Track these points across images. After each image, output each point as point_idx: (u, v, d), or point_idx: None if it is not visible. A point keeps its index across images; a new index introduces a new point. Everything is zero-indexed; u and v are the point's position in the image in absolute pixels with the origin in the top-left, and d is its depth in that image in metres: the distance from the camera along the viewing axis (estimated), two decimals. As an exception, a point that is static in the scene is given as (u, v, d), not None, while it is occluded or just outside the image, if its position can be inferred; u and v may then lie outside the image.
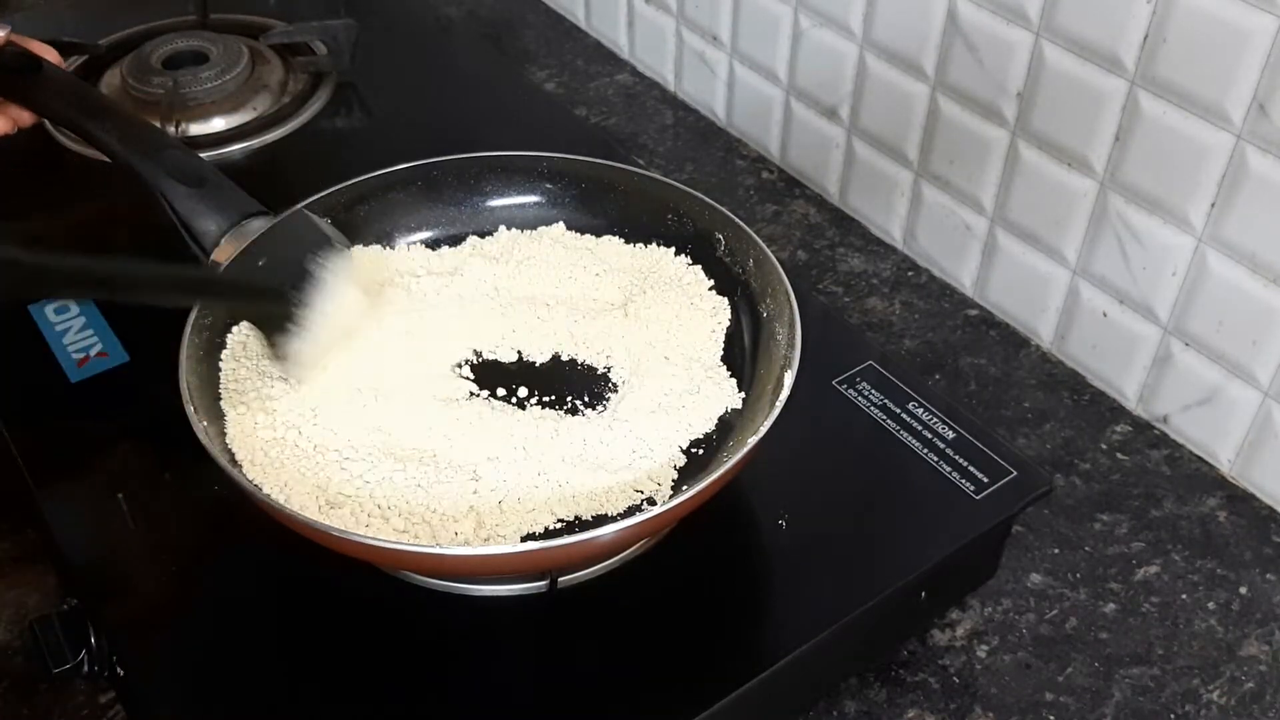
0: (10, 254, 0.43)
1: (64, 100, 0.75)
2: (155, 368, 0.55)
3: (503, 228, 0.68)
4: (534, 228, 0.69)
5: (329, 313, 0.57)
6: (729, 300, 0.64)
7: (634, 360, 0.60)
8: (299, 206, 0.61)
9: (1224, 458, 0.71)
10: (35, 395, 0.64)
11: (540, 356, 0.61)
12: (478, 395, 0.59)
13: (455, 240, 0.68)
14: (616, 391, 0.59)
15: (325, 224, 0.60)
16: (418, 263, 0.66)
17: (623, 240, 0.67)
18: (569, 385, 0.60)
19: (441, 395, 0.58)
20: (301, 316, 0.56)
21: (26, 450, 0.61)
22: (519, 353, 0.61)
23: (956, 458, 0.60)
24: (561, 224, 0.68)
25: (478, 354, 0.61)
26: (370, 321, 0.60)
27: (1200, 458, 0.72)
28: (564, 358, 0.61)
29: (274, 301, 0.56)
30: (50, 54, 0.38)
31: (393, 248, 0.67)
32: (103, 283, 0.51)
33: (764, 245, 0.62)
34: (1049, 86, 0.70)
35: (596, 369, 0.61)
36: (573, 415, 0.58)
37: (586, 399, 0.59)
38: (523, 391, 0.59)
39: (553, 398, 0.59)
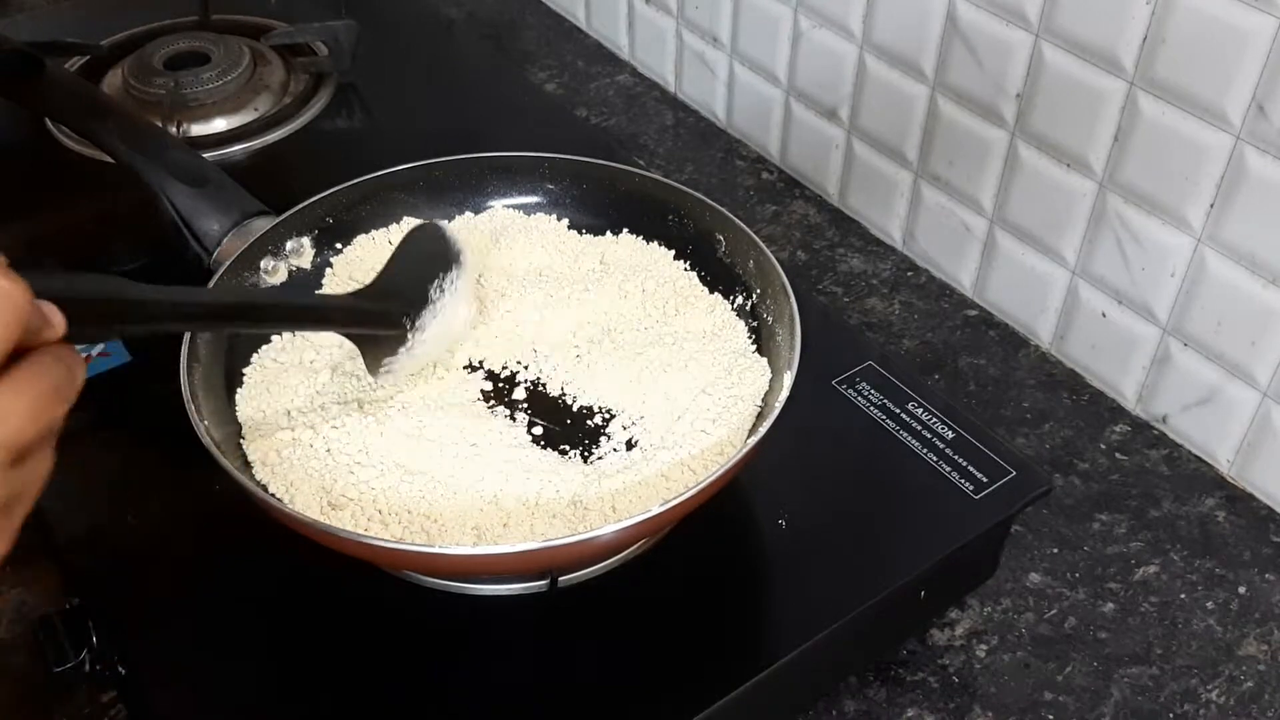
0: (118, 289, 0.42)
1: (66, 100, 0.76)
2: (156, 368, 0.55)
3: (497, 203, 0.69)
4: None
5: (440, 335, 0.57)
6: (729, 301, 0.64)
7: (640, 382, 0.60)
8: (433, 221, 0.60)
9: (1223, 458, 0.71)
10: (37, 395, 0.64)
11: (550, 377, 0.61)
12: (493, 410, 0.59)
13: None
14: (622, 414, 0.59)
15: (451, 233, 0.59)
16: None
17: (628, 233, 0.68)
18: (574, 414, 0.59)
19: (458, 409, 0.58)
20: (414, 341, 0.56)
21: (28, 450, 0.61)
22: (535, 380, 0.61)
23: (956, 458, 0.60)
24: (565, 222, 0.69)
25: (493, 374, 0.61)
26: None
27: (1199, 458, 0.72)
28: (571, 383, 0.61)
29: (390, 328, 0.55)
30: None
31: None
32: (223, 316, 0.50)
33: (764, 246, 0.62)
34: (1048, 87, 0.70)
35: (604, 405, 0.60)
36: (581, 444, 0.58)
37: (592, 425, 0.59)
38: (537, 426, 0.59)
39: (562, 425, 0.59)
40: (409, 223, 0.67)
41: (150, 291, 0.42)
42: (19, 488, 0.35)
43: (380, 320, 0.56)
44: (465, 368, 0.61)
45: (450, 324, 0.57)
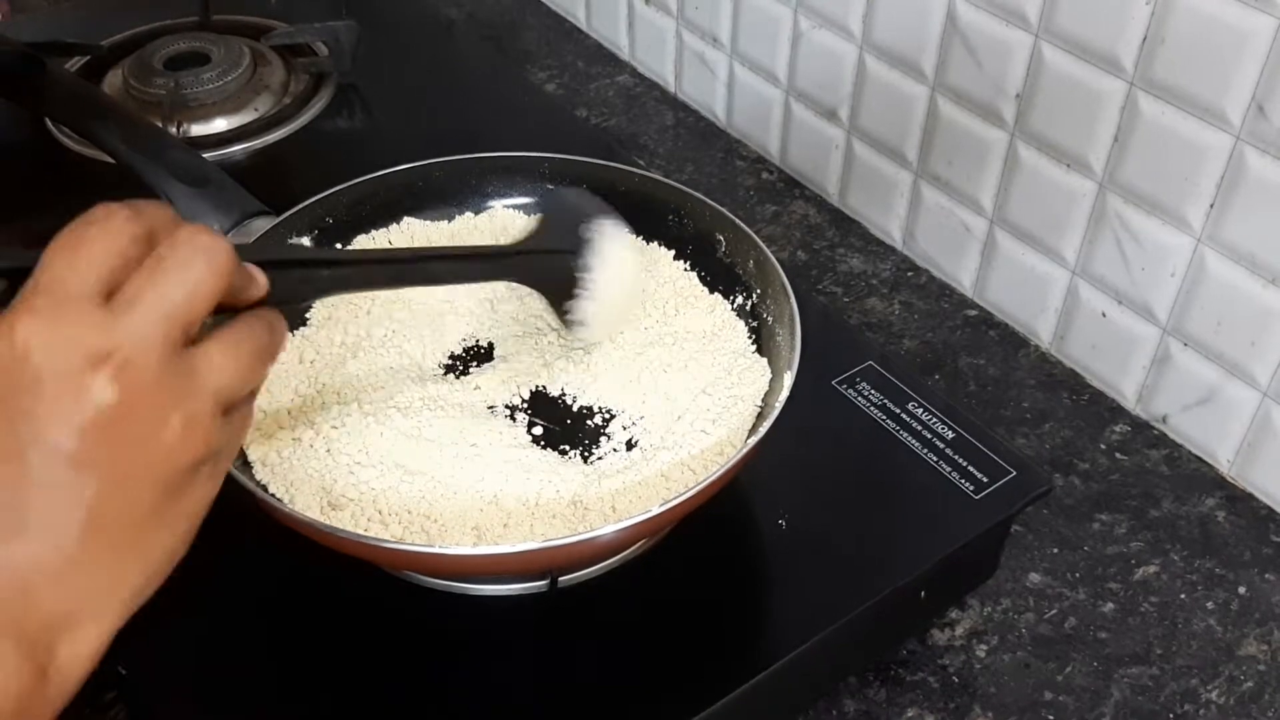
0: (312, 253, 0.44)
1: (67, 100, 0.76)
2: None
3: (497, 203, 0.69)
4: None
5: (610, 276, 0.57)
6: (729, 301, 0.64)
7: (640, 382, 0.60)
8: (574, 188, 0.62)
9: (1223, 458, 0.71)
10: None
11: (549, 379, 0.61)
12: (493, 410, 0.59)
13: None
14: (622, 414, 0.59)
15: (586, 194, 0.61)
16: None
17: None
18: (574, 414, 0.60)
19: (458, 409, 0.58)
20: (585, 280, 0.56)
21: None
22: (536, 385, 0.61)
23: (956, 458, 0.60)
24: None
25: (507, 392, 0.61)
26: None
27: (1199, 458, 0.72)
28: (571, 384, 0.61)
29: (558, 268, 0.56)
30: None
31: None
32: (400, 274, 0.52)
33: (764, 246, 0.62)
34: (1048, 88, 0.70)
35: (604, 405, 0.60)
36: (581, 444, 0.58)
37: (592, 425, 0.59)
38: (537, 426, 0.59)
39: (562, 425, 0.59)
40: (409, 222, 0.67)
41: (339, 254, 0.44)
42: (227, 438, 0.38)
43: (546, 261, 0.56)
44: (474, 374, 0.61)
45: (622, 269, 0.58)
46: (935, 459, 0.60)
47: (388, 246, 0.65)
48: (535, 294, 0.58)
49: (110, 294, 0.34)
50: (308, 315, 0.63)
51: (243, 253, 0.38)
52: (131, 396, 0.34)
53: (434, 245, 0.66)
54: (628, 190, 0.68)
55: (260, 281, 0.39)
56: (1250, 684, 0.61)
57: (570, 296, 0.56)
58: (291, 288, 0.42)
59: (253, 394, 0.39)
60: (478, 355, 0.63)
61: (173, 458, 0.35)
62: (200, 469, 0.37)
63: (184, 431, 0.35)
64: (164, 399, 0.34)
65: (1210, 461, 0.72)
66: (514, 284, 0.59)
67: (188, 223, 0.37)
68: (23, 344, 0.33)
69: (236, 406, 0.38)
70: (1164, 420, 0.73)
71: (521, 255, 0.57)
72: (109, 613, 0.36)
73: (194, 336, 0.36)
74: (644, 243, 0.67)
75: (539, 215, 0.59)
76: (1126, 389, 0.75)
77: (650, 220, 0.67)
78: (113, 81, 0.87)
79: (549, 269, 0.57)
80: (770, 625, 0.55)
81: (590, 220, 0.57)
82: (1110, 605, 0.64)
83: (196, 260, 0.35)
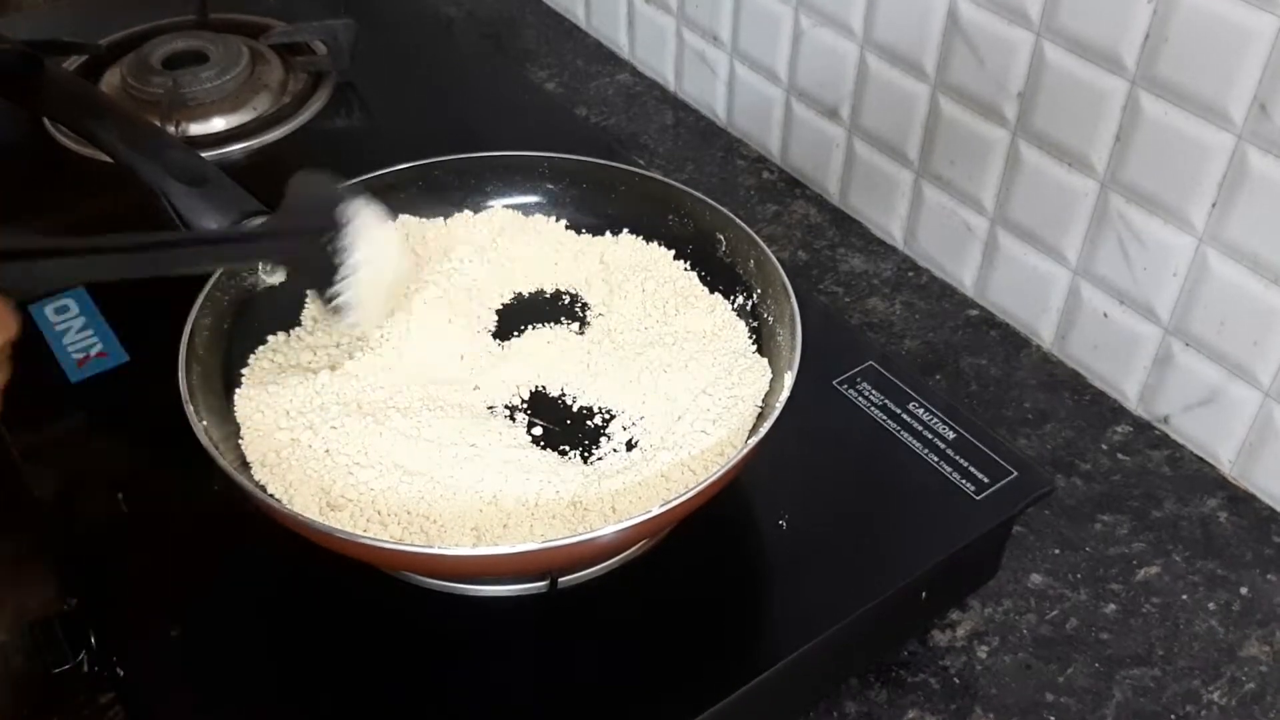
0: (30, 242, 0.42)
1: (65, 100, 0.75)
2: (155, 368, 0.55)
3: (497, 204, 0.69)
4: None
5: (373, 256, 0.55)
6: (730, 301, 0.64)
7: (640, 382, 0.60)
8: (319, 173, 0.58)
9: (1225, 458, 0.71)
10: (35, 395, 0.64)
11: (549, 380, 0.61)
12: (492, 411, 0.59)
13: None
14: (622, 415, 0.59)
15: (344, 183, 0.58)
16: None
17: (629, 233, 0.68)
18: (574, 414, 0.59)
19: (458, 409, 0.58)
20: (346, 262, 0.54)
21: (26, 450, 0.61)
22: (535, 386, 0.61)
23: (957, 458, 0.60)
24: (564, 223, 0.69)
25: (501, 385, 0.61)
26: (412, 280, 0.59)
27: (1201, 458, 0.72)
28: (571, 384, 0.61)
29: (312, 249, 0.54)
30: None
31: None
32: (134, 263, 0.50)
33: (765, 245, 0.62)
34: (1050, 86, 0.70)
35: (604, 405, 0.60)
36: (581, 444, 0.58)
37: (592, 425, 0.59)
38: (536, 427, 0.59)
39: (562, 425, 0.59)
40: (406, 221, 0.67)
41: (66, 244, 0.42)
42: None
43: (304, 241, 0.54)
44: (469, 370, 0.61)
45: (383, 249, 0.56)
46: (936, 459, 0.60)
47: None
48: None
49: None
50: (301, 317, 0.63)
51: None
52: None
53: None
54: (628, 190, 0.68)
55: None
56: (1252, 685, 0.61)
57: (331, 281, 0.54)
58: (13, 279, 0.41)
59: None
60: (477, 355, 0.63)
61: None
62: None
63: None
64: None
65: (1212, 462, 0.71)
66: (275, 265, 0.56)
67: None
68: None
69: None
70: (1166, 421, 0.73)
71: (271, 237, 0.54)
72: None
73: None
74: (616, 244, 0.67)
75: (284, 198, 0.57)
76: (1128, 389, 0.74)
77: (650, 220, 0.67)
78: (111, 80, 0.87)
79: (304, 250, 0.54)
80: (771, 626, 0.55)
81: (343, 202, 0.55)
82: (1112, 606, 0.64)
83: None
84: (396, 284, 0.59)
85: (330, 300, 0.55)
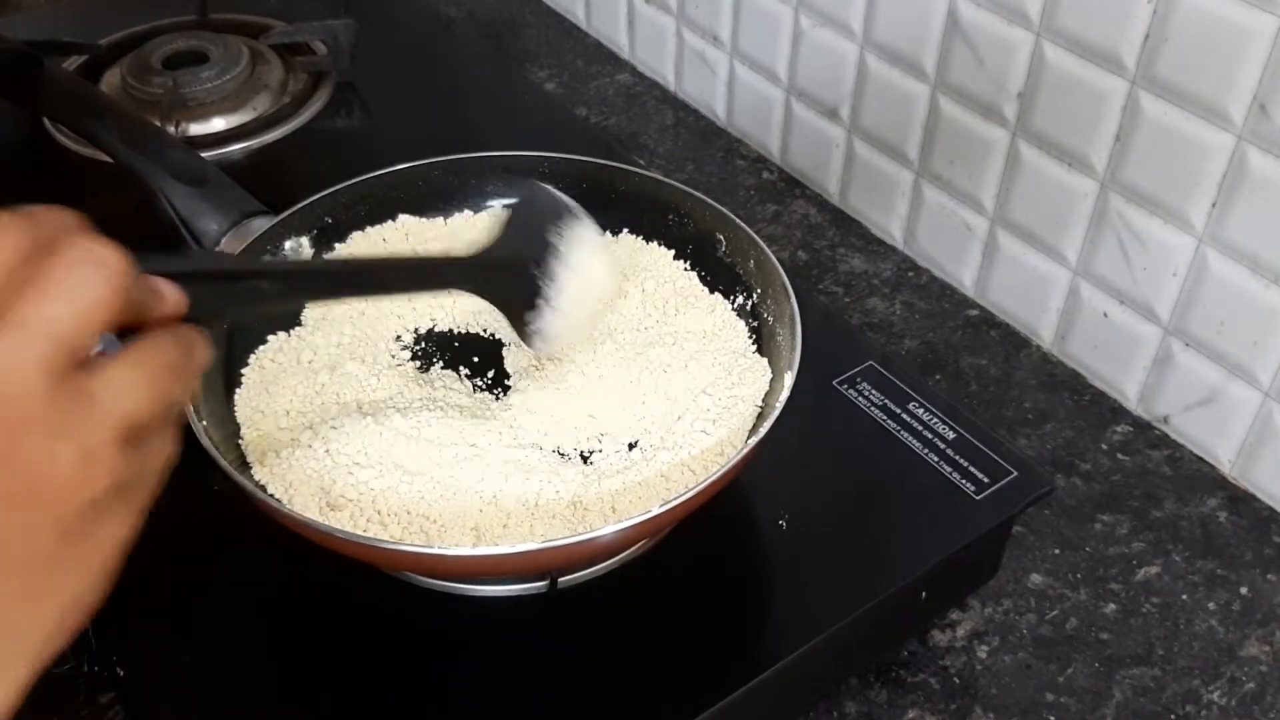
0: (233, 263, 0.39)
1: (65, 100, 0.75)
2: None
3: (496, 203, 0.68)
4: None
5: (577, 287, 0.53)
6: (730, 301, 0.64)
7: (640, 382, 0.59)
8: (546, 185, 0.57)
9: (1224, 458, 0.71)
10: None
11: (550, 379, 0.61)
12: (494, 414, 0.59)
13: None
14: (622, 415, 0.59)
15: (565, 197, 0.55)
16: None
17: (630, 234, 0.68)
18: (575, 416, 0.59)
19: (458, 409, 0.58)
20: (548, 290, 0.52)
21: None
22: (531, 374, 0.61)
23: (957, 458, 0.60)
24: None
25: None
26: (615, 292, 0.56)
27: (1201, 458, 0.72)
28: (571, 383, 0.60)
29: (517, 276, 0.52)
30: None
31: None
32: (334, 286, 0.48)
33: (764, 245, 0.61)
34: (1050, 86, 0.70)
35: (604, 405, 0.59)
36: (584, 448, 0.58)
37: (595, 432, 0.58)
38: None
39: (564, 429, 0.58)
40: (406, 220, 0.67)
41: (266, 265, 0.40)
42: (138, 470, 0.34)
43: (507, 269, 0.52)
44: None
45: (590, 277, 0.53)
46: (936, 459, 0.60)
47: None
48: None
49: None
50: (302, 316, 0.63)
51: (149, 265, 0.35)
52: (9, 430, 0.30)
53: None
54: (628, 190, 0.68)
55: (169, 297, 0.36)
56: (1252, 685, 0.61)
57: (531, 306, 0.53)
58: (210, 302, 0.39)
59: (171, 419, 0.35)
60: (476, 354, 0.63)
61: (67, 495, 0.31)
62: (107, 505, 0.33)
63: (79, 465, 0.31)
64: (49, 430, 0.31)
65: (1212, 462, 0.71)
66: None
67: (85, 234, 0.33)
68: None
69: (149, 434, 0.34)
70: (1166, 420, 0.73)
71: (476, 264, 0.53)
72: (13, 666, 0.33)
73: (85, 360, 0.32)
74: (617, 243, 0.66)
75: (506, 212, 0.55)
76: (1128, 389, 0.74)
77: (650, 220, 0.67)
78: (111, 80, 0.87)
79: (507, 278, 0.52)
80: (771, 626, 0.55)
81: (559, 222, 0.53)
82: (1112, 606, 0.64)
83: (83, 275, 0.32)
84: (595, 313, 0.56)
85: (525, 325, 0.53)
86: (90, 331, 0.32)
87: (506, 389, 0.60)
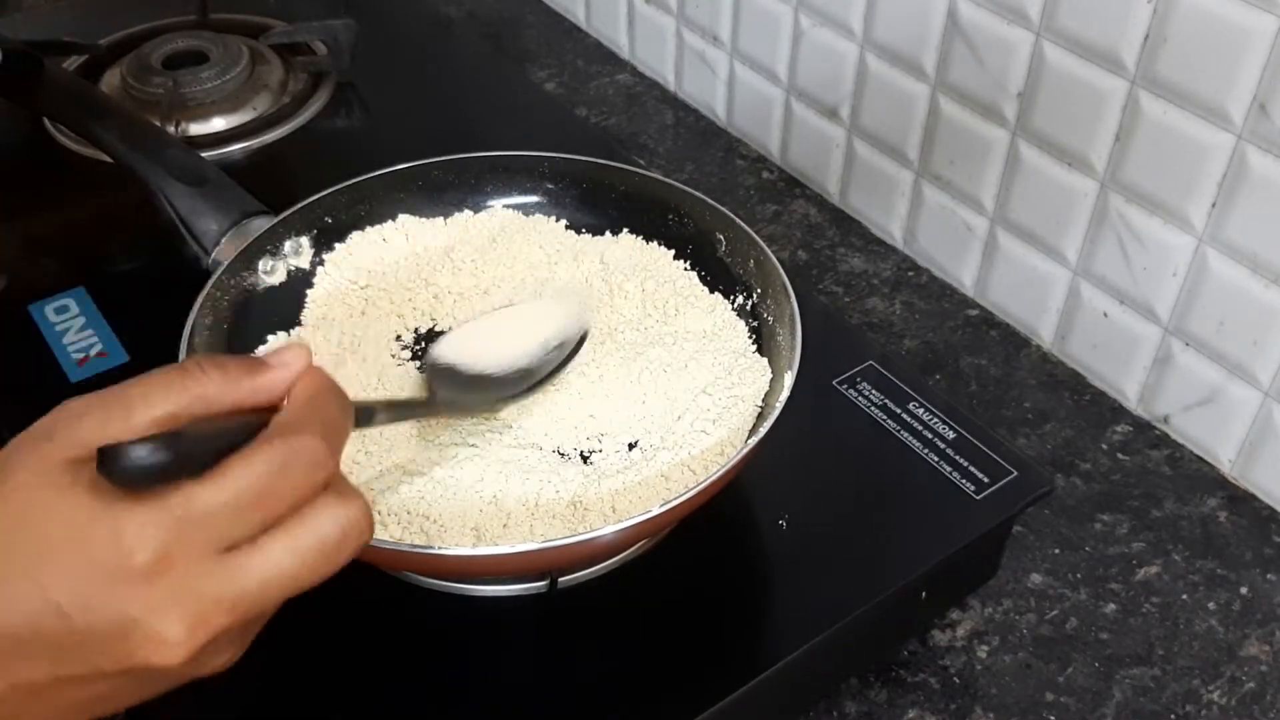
0: (384, 406, 0.48)
1: (65, 100, 0.75)
2: (155, 368, 0.55)
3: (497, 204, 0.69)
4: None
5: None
6: (729, 301, 0.64)
7: (640, 382, 0.60)
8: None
9: (1224, 458, 0.71)
10: (35, 395, 0.64)
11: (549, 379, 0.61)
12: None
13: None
14: (622, 415, 0.59)
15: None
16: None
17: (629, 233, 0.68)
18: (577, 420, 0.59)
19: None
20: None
21: (26, 450, 0.61)
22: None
23: (957, 458, 0.60)
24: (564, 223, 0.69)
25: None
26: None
27: (1201, 458, 0.72)
28: (571, 382, 0.61)
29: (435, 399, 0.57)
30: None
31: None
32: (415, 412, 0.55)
33: (764, 245, 0.61)
34: (1049, 86, 0.70)
35: (604, 405, 0.59)
36: (584, 448, 0.57)
37: (595, 432, 0.58)
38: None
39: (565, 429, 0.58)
40: (406, 220, 0.67)
41: (399, 402, 0.53)
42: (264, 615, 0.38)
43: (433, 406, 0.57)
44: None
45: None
46: (936, 459, 0.60)
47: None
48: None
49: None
50: (301, 316, 0.63)
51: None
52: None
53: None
54: (627, 190, 0.68)
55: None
56: (1252, 685, 0.61)
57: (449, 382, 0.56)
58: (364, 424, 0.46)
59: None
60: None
61: (173, 679, 0.37)
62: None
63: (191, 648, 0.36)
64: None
65: (1212, 462, 0.71)
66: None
67: (349, 489, 0.36)
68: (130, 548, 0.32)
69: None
70: (1166, 420, 0.73)
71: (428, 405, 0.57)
72: None
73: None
74: (616, 244, 0.67)
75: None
76: (1128, 389, 0.74)
77: (650, 220, 0.67)
78: (111, 80, 0.87)
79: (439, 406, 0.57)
80: (771, 626, 0.55)
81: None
82: (1112, 606, 0.64)
83: (333, 537, 0.35)
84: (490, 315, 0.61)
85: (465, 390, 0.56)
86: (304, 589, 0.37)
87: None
